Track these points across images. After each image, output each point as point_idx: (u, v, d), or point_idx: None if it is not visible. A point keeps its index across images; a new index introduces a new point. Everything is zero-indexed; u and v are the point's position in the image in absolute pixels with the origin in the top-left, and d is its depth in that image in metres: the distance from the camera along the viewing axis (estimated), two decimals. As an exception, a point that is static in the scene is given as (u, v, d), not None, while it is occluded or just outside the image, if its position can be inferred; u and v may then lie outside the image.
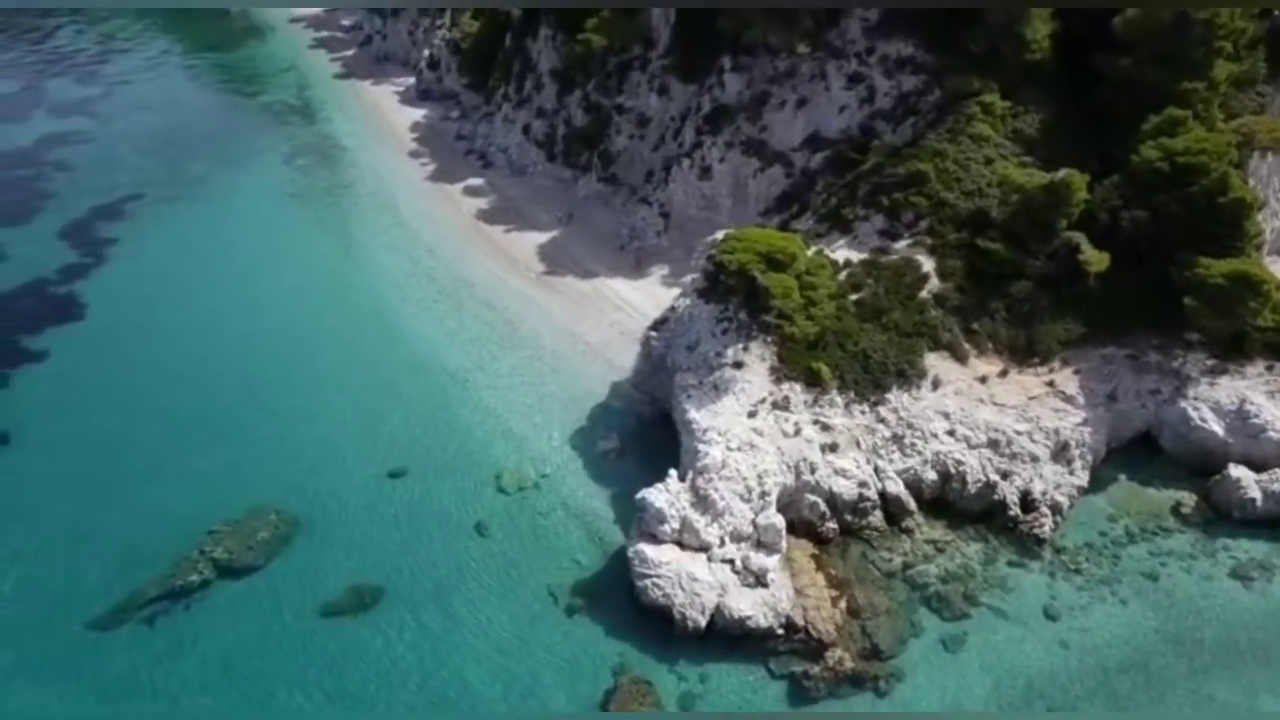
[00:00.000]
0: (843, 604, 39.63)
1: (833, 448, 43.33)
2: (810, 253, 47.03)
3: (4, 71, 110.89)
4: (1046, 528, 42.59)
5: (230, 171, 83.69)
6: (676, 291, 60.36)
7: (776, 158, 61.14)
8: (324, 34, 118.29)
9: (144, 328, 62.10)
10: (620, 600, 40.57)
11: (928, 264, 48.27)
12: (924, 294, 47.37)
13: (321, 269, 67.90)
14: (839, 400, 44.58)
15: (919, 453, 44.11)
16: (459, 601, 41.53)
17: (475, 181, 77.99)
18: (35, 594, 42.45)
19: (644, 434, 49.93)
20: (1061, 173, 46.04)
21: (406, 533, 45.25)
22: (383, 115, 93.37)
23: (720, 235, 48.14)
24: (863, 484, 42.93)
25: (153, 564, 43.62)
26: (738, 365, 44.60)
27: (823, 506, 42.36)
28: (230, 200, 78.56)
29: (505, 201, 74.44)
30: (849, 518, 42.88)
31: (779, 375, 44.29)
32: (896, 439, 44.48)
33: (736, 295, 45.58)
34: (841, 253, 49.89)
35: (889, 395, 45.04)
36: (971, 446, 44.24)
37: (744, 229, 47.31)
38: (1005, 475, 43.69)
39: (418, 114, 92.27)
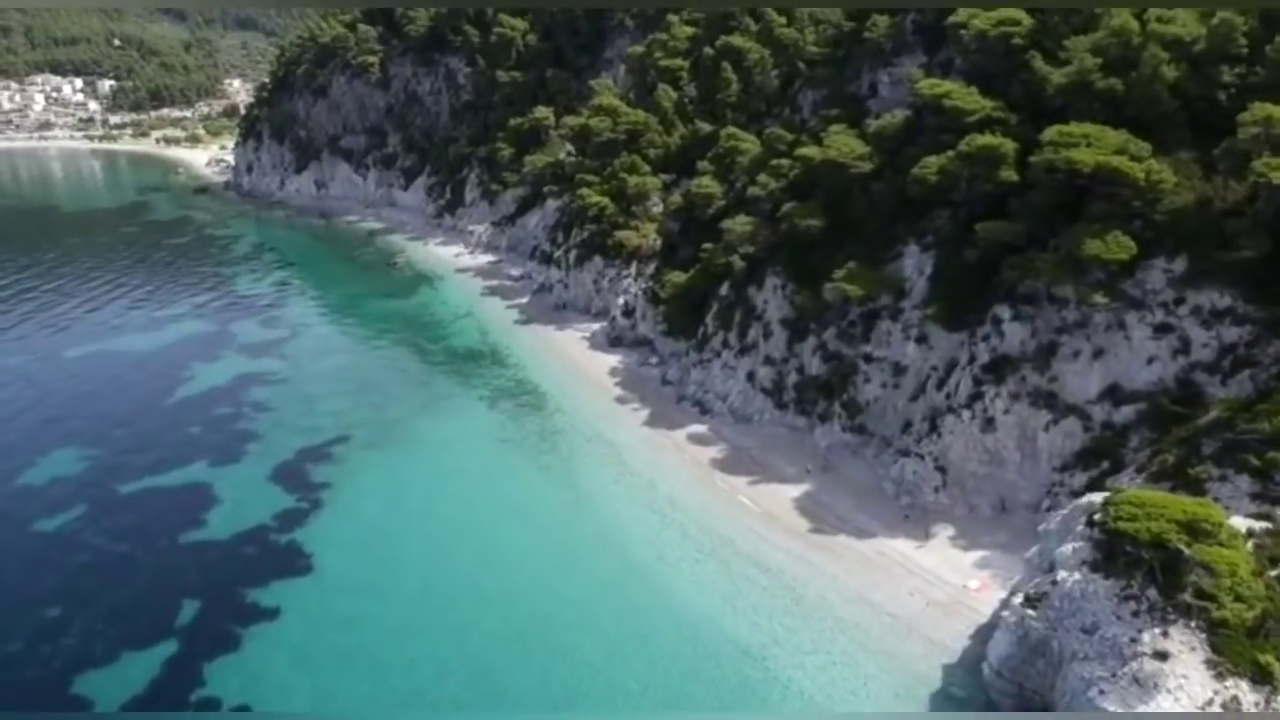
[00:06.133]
0: None
1: (1303, 766, 35.37)
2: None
3: (193, 314, 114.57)
4: None
5: (433, 416, 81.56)
6: (976, 555, 54.90)
7: (1070, 410, 56.72)
8: (493, 283, 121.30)
9: (381, 588, 56.76)
10: None
11: (1341, 535, 41.96)
12: (1350, 571, 40.73)
13: (559, 521, 63.25)
14: (1291, 703, 37.03)
15: (1404, 775, 35.83)
16: None
17: (698, 429, 74.54)
18: None
19: (1010, 732, 42.44)
20: None
21: None
22: (574, 361, 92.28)
23: (1097, 498, 42.74)
24: (1352, 817, 34.55)
25: None
26: (1161, 655, 37.60)
27: (1312, 847, 33.84)
28: (442, 446, 75.75)
29: (737, 450, 70.44)
30: None
31: (1219, 669, 37.13)
32: (1370, 755, 36.39)
33: (1140, 569, 39.48)
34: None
35: (1348, 698, 37.40)
36: None
37: (1135, 491, 41.85)
38: None
39: (611, 359, 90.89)
